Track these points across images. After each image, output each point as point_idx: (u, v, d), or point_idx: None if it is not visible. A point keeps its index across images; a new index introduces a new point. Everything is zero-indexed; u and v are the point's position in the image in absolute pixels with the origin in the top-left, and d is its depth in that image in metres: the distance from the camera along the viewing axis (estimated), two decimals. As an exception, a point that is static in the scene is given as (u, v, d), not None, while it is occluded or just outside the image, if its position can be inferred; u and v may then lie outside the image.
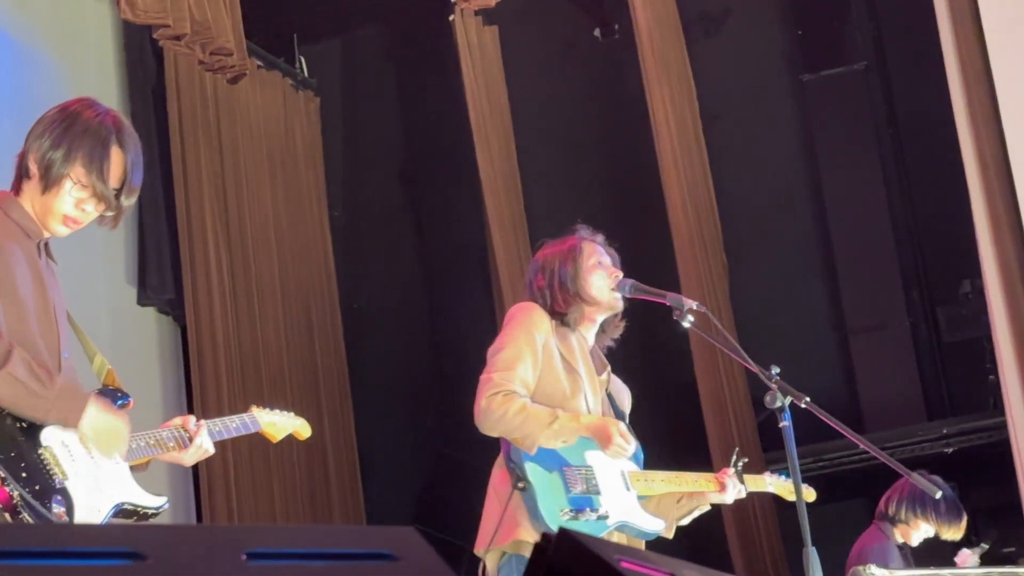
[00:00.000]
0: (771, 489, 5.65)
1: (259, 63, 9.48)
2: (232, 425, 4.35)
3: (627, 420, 5.28)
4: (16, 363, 3.67)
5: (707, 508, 5.35)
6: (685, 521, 5.33)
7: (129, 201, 3.96)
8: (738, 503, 8.37)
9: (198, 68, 8.67)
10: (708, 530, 8.49)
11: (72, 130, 3.90)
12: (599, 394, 5.16)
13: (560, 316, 5.10)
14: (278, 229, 9.26)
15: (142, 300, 8.55)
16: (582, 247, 5.12)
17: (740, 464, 5.27)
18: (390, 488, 9.69)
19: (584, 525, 4.81)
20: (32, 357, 3.76)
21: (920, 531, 7.01)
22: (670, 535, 5.32)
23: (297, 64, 10.08)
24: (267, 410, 4.61)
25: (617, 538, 4.98)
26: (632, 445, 4.98)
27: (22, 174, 3.95)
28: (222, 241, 8.68)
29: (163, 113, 8.62)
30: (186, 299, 8.46)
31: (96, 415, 3.83)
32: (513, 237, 9.07)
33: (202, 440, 4.10)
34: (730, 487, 5.25)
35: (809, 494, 5.33)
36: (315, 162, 9.92)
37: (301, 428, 4.79)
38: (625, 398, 5.38)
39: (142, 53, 8.73)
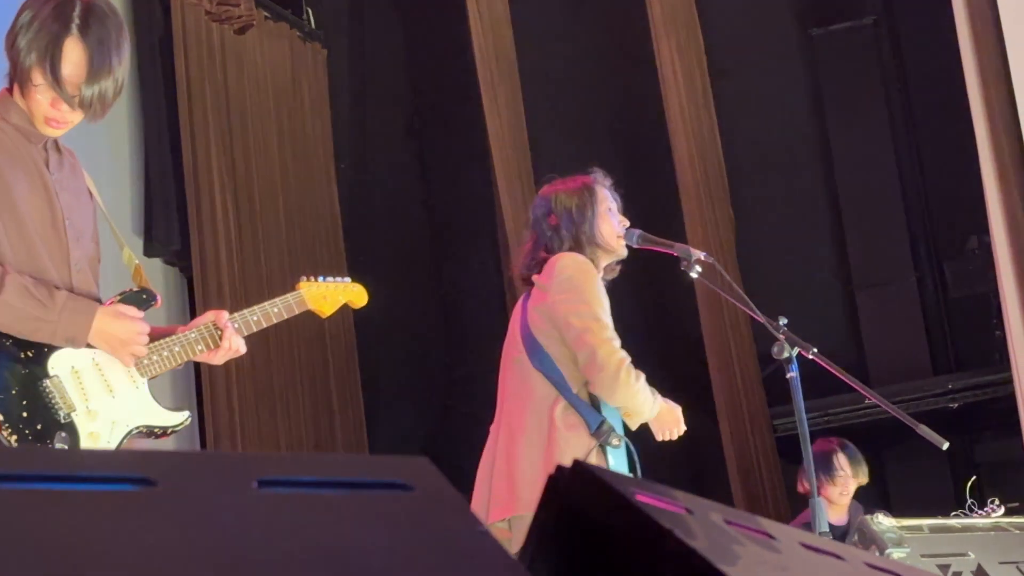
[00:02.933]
0: None
1: (266, 14, 9.43)
2: (274, 310, 4.09)
3: None
4: (10, 290, 3.50)
5: None
6: None
7: (97, 87, 3.57)
8: (743, 455, 8.41)
9: (205, 19, 8.64)
10: (712, 484, 8.53)
11: (34, 22, 3.57)
12: None
13: None
14: (285, 181, 9.24)
15: (148, 251, 8.51)
16: (596, 190, 4.96)
17: None
18: (396, 441, 9.70)
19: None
20: (37, 275, 3.59)
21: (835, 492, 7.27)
22: None
23: (304, 15, 10.03)
24: (315, 281, 4.29)
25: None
26: None
27: (12, 73, 3.68)
28: (229, 192, 8.65)
29: (170, 64, 8.56)
30: (192, 250, 8.43)
31: (104, 325, 3.64)
32: (520, 190, 9.04)
33: (230, 340, 3.89)
34: None
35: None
36: (322, 114, 9.89)
37: (356, 296, 4.42)
38: None
39: (149, 3, 8.68)
